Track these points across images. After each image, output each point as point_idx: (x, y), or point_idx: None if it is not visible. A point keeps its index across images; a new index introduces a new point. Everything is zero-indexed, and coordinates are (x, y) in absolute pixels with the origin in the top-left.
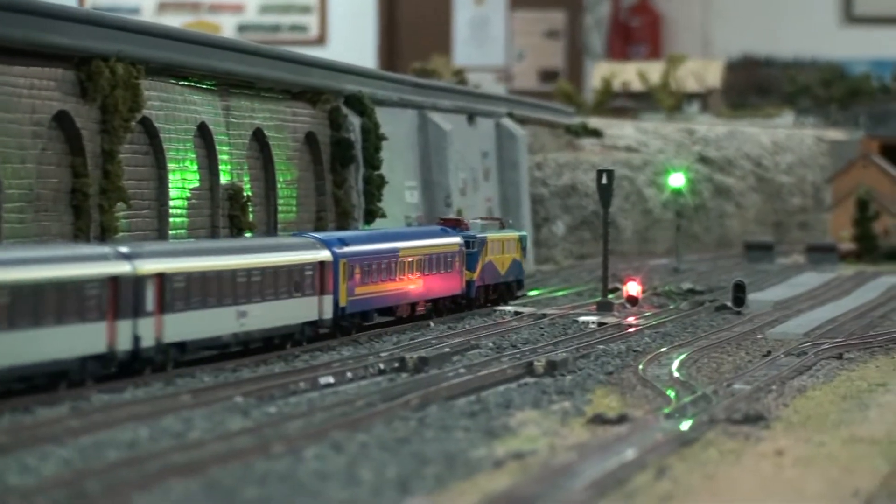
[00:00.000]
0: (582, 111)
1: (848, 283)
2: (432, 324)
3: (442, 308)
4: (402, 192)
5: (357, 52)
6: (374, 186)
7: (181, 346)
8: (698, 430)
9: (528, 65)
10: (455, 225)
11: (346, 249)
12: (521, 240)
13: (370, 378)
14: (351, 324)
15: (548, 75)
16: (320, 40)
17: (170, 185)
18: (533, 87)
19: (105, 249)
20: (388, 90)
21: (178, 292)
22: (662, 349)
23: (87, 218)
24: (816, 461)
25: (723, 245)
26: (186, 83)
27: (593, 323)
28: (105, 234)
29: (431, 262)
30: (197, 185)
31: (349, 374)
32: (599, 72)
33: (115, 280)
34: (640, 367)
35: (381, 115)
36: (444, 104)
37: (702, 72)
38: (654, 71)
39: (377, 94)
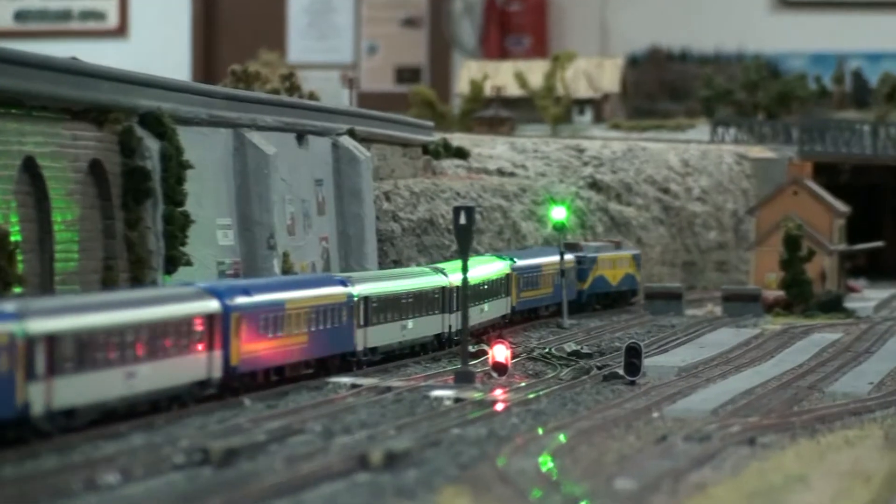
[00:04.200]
0: (446, 122)
1: (773, 341)
2: (247, 401)
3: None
4: (212, 233)
5: (166, 46)
6: (176, 227)
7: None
8: None
9: (381, 61)
10: (573, 247)
11: (517, 265)
12: (635, 257)
13: (165, 475)
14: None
15: (406, 74)
16: (120, 31)
17: None
18: (388, 88)
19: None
20: (195, 105)
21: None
22: (535, 433)
23: None
24: None
25: None
26: None
27: (449, 399)
28: None
29: (560, 274)
30: None
31: (138, 470)
32: (467, 72)
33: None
34: (502, 458)
35: (186, 136)
36: (267, 121)
37: (596, 72)
38: (536, 71)
39: (180, 110)
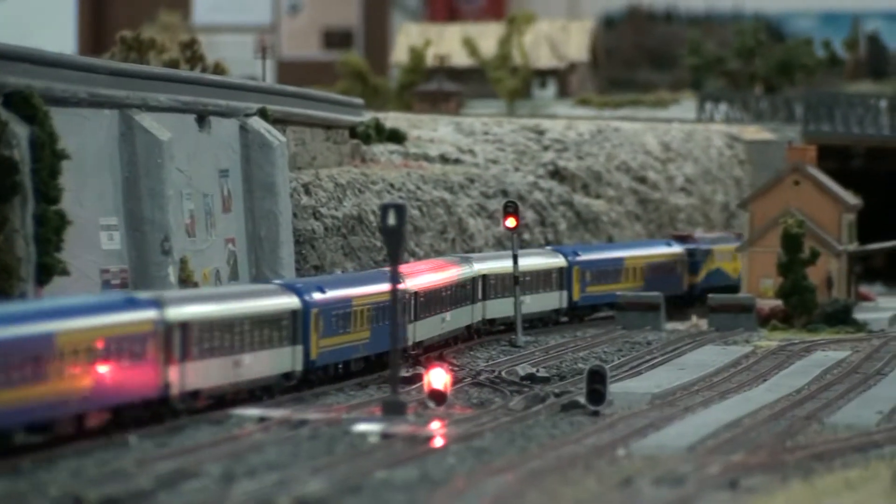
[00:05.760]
0: (380, 98)
1: (766, 362)
2: (133, 439)
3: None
4: (94, 236)
5: (47, 9)
6: (50, 229)
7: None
8: None
9: (305, 22)
10: (685, 238)
11: (580, 258)
12: None
13: None
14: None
15: (336, 38)
16: None
17: None
18: (313, 54)
19: (463, 259)
20: (73, 82)
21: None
22: (475, 476)
23: None
24: None
25: None
26: None
27: (375, 434)
28: None
29: (656, 268)
30: None
31: None
32: (406, 38)
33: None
34: None
35: (62, 120)
36: (161, 100)
37: (560, 37)
38: (489, 36)
39: (55, 88)
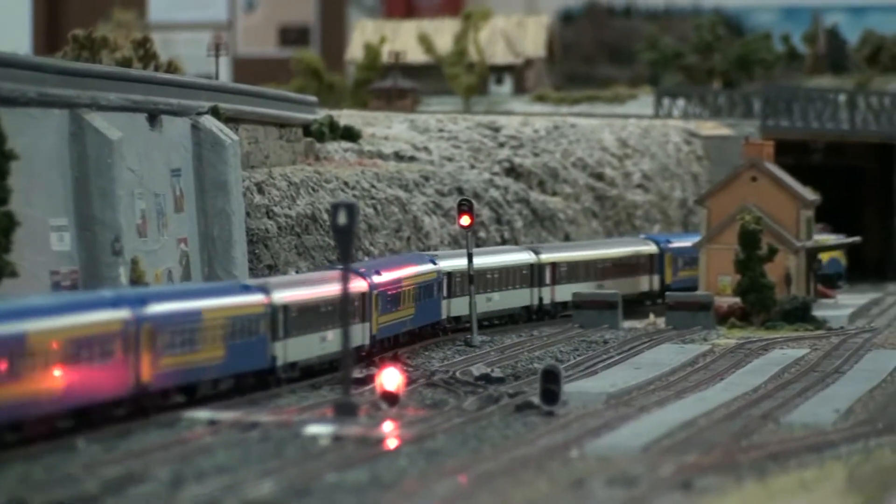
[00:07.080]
0: (335, 96)
1: (724, 360)
2: (81, 443)
3: None
4: (44, 237)
5: (1, 7)
6: None
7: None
8: None
9: (261, 18)
10: None
11: (672, 245)
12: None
13: None
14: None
15: (292, 35)
16: None
17: None
18: (270, 52)
19: (527, 248)
20: (21, 82)
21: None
22: (426, 478)
23: None
24: None
25: None
26: None
27: (326, 436)
28: None
29: None
30: None
31: None
32: (361, 34)
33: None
34: None
35: (10, 120)
36: (111, 99)
37: (516, 33)
38: (444, 33)
39: (2, 88)
